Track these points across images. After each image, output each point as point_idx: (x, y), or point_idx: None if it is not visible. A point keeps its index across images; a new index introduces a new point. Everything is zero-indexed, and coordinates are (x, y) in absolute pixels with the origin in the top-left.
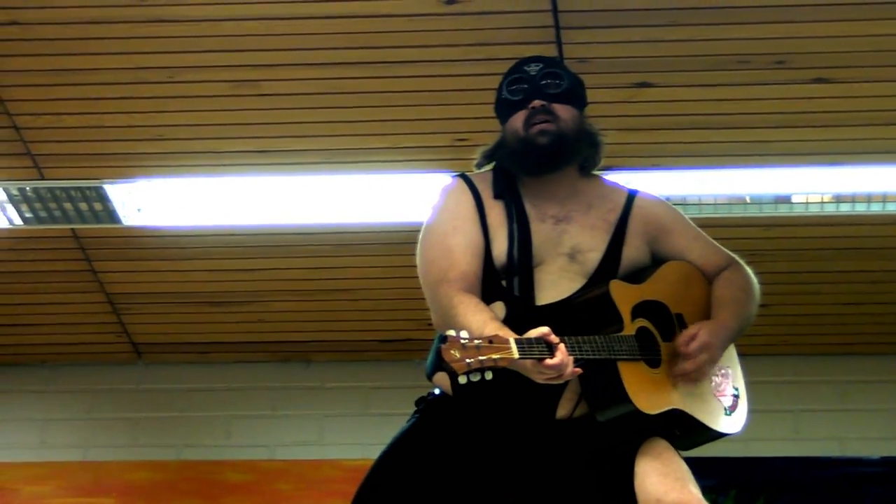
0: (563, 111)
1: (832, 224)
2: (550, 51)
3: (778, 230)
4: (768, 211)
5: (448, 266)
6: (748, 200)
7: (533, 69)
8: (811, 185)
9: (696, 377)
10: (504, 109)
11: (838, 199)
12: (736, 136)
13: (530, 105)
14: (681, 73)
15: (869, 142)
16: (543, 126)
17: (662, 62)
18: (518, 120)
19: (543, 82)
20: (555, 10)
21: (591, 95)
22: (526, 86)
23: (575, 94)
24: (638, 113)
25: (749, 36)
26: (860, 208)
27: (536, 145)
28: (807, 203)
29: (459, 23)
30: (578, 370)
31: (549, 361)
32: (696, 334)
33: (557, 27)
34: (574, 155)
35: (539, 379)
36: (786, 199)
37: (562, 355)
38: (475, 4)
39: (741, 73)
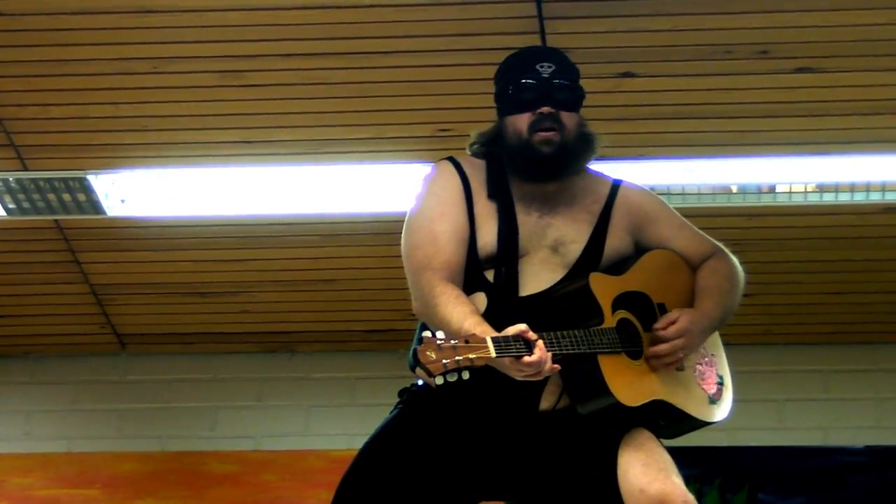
0: (569, 119)
1: (816, 213)
2: (534, 41)
3: (761, 220)
4: (752, 200)
5: (433, 252)
6: (732, 190)
7: (545, 70)
8: (795, 175)
9: (670, 361)
10: (508, 104)
11: (821, 189)
12: (719, 126)
13: (538, 110)
14: (664, 62)
15: (852, 131)
16: (548, 135)
17: (646, 52)
18: (523, 122)
19: (554, 85)
20: (538, 0)
21: None
22: (537, 88)
23: (580, 98)
24: (621, 103)
25: (732, 26)
26: (843, 198)
27: (540, 154)
28: (790, 192)
29: (443, 13)
30: (557, 367)
31: (527, 359)
32: (676, 319)
33: (541, 17)
34: (574, 165)
35: (518, 376)
36: (769, 189)
37: (540, 352)
38: None
39: (724, 63)
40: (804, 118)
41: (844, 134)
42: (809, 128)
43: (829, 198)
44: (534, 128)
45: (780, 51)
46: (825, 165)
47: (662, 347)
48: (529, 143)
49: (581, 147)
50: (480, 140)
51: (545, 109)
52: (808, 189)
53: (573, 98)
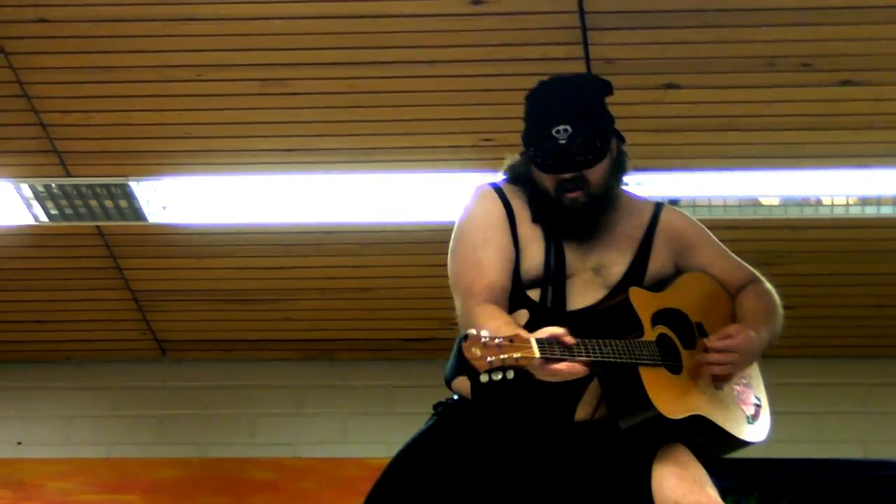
0: (593, 174)
1: (857, 226)
2: (577, 52)
3: (803, 232)
4: (794, 213)
5: (475, 279)
6: (775, 202)
7: (562, 136)
8: (837, 188)
9: (719, 372)
10: (533, 160)
11: (864, 202)
12: (762, 139)
13: (561, 176)
14: (708, 74)
15: (895, 144)
16: (574, 195)
17: (689, 64)
18: (549, 181)
19: (573, 150)
20: (581, 11)
21: (617, 97)
22: (556, 156)
23: (602, 149)
24: (665, 114)
25: (776, 38)
26: (886, 211)
27: (570, 210)
28: (832, 205)
29: (486, 23)
30: (587, 369)
31: (561, 365)
32: (732, 335)
33: (584, 28)
34: (605, 213)
35: (551, 379)
36: (811, 202)
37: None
38: (502, 5)
39: (768, 75)
40: (847, 131)
41: (887, 147)
42: (852, 140)
43: (871, 211)
44: (559, 189)
45: (823, 64)
46: (867, 178)
47: (714, 357)
48: (559, 202)
49: (610, 194)
50: (513, 175)
51: (567, 175)
52: (851, 202)
53: (594, 155)
